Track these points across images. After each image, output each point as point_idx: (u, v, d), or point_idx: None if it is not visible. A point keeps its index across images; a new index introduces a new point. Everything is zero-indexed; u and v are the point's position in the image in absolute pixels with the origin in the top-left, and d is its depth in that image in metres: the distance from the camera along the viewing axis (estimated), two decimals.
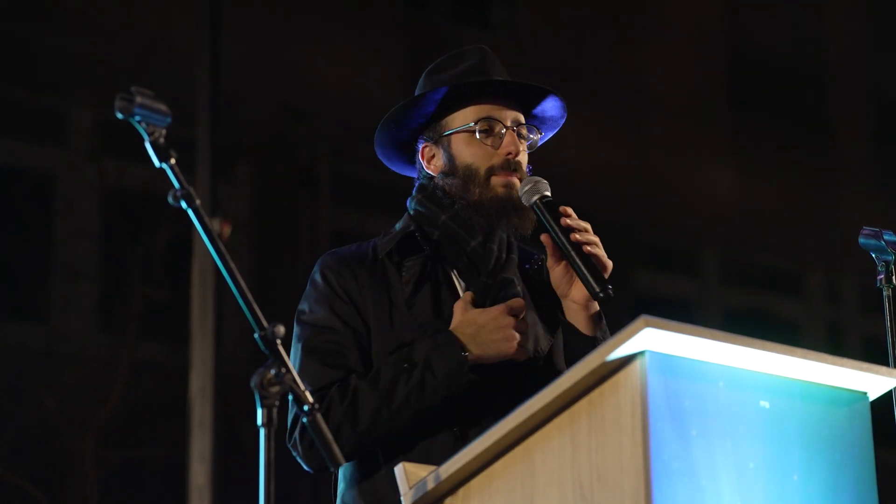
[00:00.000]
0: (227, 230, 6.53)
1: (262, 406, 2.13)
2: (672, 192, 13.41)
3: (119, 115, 2.17)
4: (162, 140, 2.19)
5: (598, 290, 2.57)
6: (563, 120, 2.87)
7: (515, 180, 2.69)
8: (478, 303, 2.67)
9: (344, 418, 2.56)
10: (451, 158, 2.73)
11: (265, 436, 2.12)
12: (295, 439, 2.62)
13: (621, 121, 12.97)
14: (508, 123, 2.73)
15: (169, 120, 2.19)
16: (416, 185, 2.81)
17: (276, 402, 2.14)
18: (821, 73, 15.13)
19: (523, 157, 2.74)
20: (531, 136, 2.78)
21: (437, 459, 2.47)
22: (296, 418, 2.62)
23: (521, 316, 2.62)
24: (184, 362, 7.02)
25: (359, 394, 2.57)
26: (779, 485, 2.18)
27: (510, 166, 2.69)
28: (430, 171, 2.76)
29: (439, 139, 2.75)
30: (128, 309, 9.02)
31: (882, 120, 15.28)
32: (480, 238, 2.70)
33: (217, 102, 6.77)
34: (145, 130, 2.18)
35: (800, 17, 15.05)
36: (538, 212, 2.63)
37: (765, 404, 2.20)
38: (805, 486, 2.21)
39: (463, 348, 2.58)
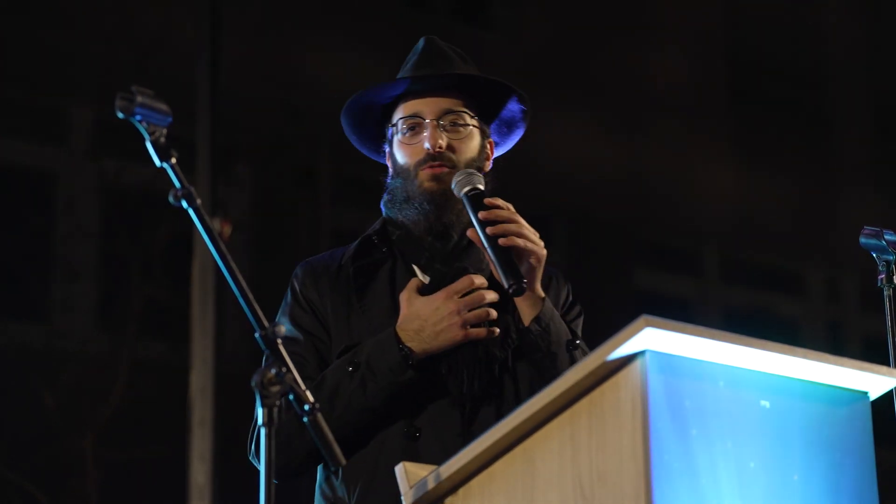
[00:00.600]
0: (227, 230, 6.53)
1: (263, 405, 2.13)
2: (672, 191, 13.41)
3: (120, 115, 2.17)
4: (163, 139, 2.19)
5: (506, 283, 2.52)
6: (524, 111, 2.82)
7: (441, 171, 2.67)
8: (433, 291, 2.65)
9: (292, 428, 2.56)
10: (394, 160, 2.76)
11: (266, 435, 2.12)
12: (254, 451, 2.64)
13: (622, 119, 12.97)
14: (430, 117, 2.71)
15: (170, 119, 2.19)
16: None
17: (277, 402, 2.14)
18: (821, 72, 15.13)
19: (460, 147, 2.71)
20: (466, 123, 2.73)
21: (387, 459, 2.50)
22: (255, 431, 2.62)
23: (469, 294, 2.58)
24: (184, 361, 7.02)
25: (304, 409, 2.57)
26: (779, 484, 2.18)
27: (433, 159, 2.68)
28: (390, 174, 2.79)
29: (389, 142, 2.79)
30: (128, 308, 9.02)
31: (882, 120, 15.28)
32: (431, 232, 2.69)
33: (217, 102, 6.77)
34: (146, 130, 2.18)
35: (800, 17, 15.05)
36: (465, 204, 2.61)
37: (765, 404, 2.20)
38: (805, 486, 2.21)
39: (402, 345, 2.57)
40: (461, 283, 2.61)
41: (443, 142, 2.69)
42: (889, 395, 2.54)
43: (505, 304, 2.64)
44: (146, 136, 2.18)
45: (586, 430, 2.13)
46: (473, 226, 2.59)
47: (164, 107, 2.19)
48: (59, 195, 9.84)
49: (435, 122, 2.71)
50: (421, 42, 2.81)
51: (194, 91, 6.90)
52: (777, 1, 14.82)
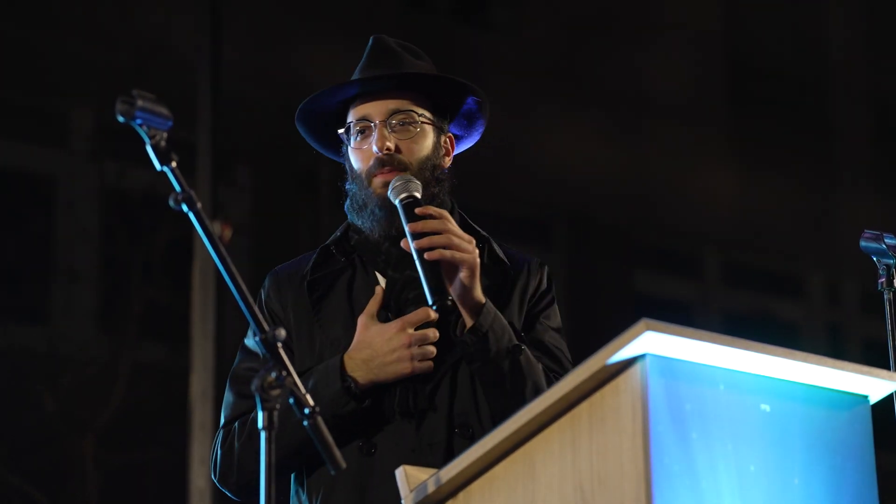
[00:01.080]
0: (227, 233, 6.53)
1: (263, 409, 2.13)
2: (672, 194, 13.41)
3: (120, 119, 2.17)
4: (163, 143, 2.19)
5: (430, 300, 2.50)
6: (481, 108, 2.76)
7: (395, 175, 2.62)
8: (387, 301, 2.63)
9: (242, 453, 2.57)
10: (350, 167, 2.72)
11: (266, 439, 2.12)
12: (220, 471, 2.63)
13: (622, 123, 12.97)
14: (377, 119, 2.66)
15: (170, 123, 2.19)
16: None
17: (277, 405, 2.14)
18: (822, 76, 15.14)
19: (411, 147, 2.65)
20: (415, 121, 2.67)
21: (342, 475, 2.45)
22: (216, 454, 2.63)
23: (420, 328, 2.55)
24: (184, 365, 7.02)
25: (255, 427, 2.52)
26: (780, 488, 2.18)
27: (382, 163, 2.63)
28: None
29: (345, 146, 2.75)
30: (129, 311, 9.02)
31: (883, 123, 15.28)
32: (386, 239, 2.65)
33: (218, 105, 6.77)
34: (147, 134, 2.18)
35: (800, 21, 15.06)
36: (399, 213, 2.56)
37: (766, 407, 2.20)
38: (806, 490, 2.21)
39: (346, 376, 2.54)
40: (417, 316, 2.57)
41: (391, 143, 2.63)
42: (889, 398, 2.54)
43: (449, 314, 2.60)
44: (147, 139, 2.19)
45: (587, 433, 2.13)
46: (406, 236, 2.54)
47: (164, 111, 2.19)
48: (59, 198, 9.85)
49: (383, 124, 2.65)
50: (370, 42, 2.76)
51: (195, 94, 6.91)
52: (777, 4, 14.83)
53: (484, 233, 2.72)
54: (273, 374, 2.15)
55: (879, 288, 2.79)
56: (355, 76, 2.73)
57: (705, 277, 14.21)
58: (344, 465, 2.20)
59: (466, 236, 2.56)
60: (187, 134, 6.48)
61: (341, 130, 2.76)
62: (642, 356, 2.09)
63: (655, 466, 2.03)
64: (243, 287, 2.19)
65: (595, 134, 12.39)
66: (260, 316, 2.19)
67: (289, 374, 2.16)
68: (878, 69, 15.23)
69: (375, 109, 2.68)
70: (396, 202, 2.57)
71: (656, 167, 13.21)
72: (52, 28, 9.77)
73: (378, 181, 2.64)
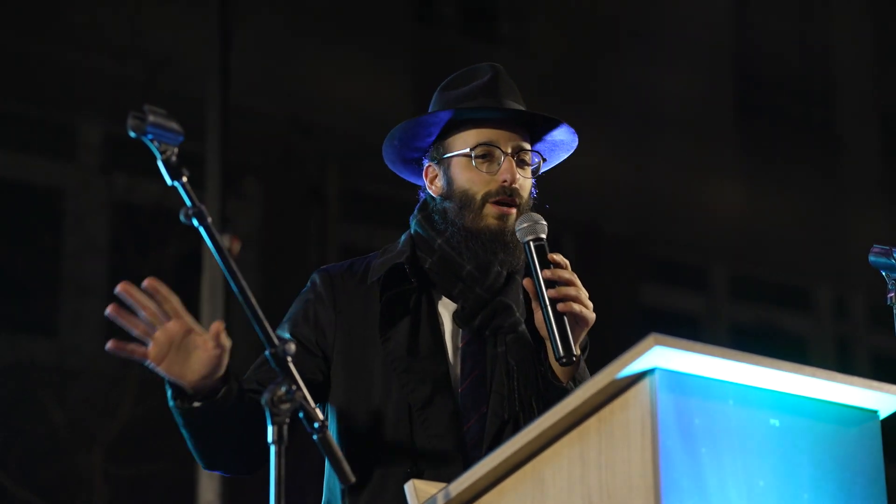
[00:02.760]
0: (236, 246, 6.54)
1: (273, 423, 2.13)
2: (680, 207, 13.41)
3: (132, 134, 2.18)
4: (174, 158, 2.20)
5: (560, 353, 2.49)
6: (575, 144, 2.80)
7: (511, 212, 2.64)
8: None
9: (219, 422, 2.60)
10: (449, 182, 2.69)
11: (276, 452, 2.13)
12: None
13: (630, 136, 12.98)
14: (508, 150, 2.66)
15: (181, 138, 2.20)
16: (419, 202, 2.78)
17: (287, 419, 2.15)
18: (829, 88, 15.14)
19: (525, 184, 2.68)
20: (533, 161, 2.71)
21: (386, 498, 2.50)
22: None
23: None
24: None
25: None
26: (789, 503, 2.18)
27: (506, 193, 2.64)
28: (431, 192, 2.73)
29: (441, 160, 2.71)
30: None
31: (891, 135, 15.27)
32: (474, 263, 2.64)
33: (227, 118, 6.78)
34: (158, 149, 2.19)
35: (808, 35, 15.06)
36: (527, 253, 2.56)
37: (775, 422, 2.20)
38: None
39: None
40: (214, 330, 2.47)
41: (518, 177, 2.66)
42: None
43: (536, 353, 2.61)
44: (158, 155, 2.19)
45: (596, 448, 2.13)
46: (531, 274, 2.54)
47: (175, 126, 2.20)
48: (68, 211, 9.87)
49: (511, 156, 2.67)
50: (487, 68, 2.76)
51: (204, 106, 6.92)
52: (785, 17, 14.83)
53: None
54: (283, 388, 2.15)
55: (889, 303, 2.79)
56: (463, 97, 2.71)
57: (713, 290, 14.19)
58: (353, 479, 2.20)
59: (584, 290, 2.56)
60: (196, 147, 6.49)
61: (427, 140, 2.73)
62: (651, 371, 2.09)
63: (664, 481, 2.03)
64: (253, 302, 2.20)
65: (603, 147, 12.39)
66: (269, 329, 2.20)
67: (298, 388, 2.16)
68: (886, 83, 15.22)
69: (503, 139, 2.68)
70: (524, 241, 2.56)
71: (664, 180, 13.21)
72: (61, 42, 9.80)
73: (494, 210, 2.64)
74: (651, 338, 2.05)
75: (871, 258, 2.77)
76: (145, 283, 2.43)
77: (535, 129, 2.76)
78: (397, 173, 2.86)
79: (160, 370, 2.49)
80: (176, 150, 2.20)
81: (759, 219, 13.87)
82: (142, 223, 9.24)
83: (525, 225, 2.57)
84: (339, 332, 2.67)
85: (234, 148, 7.56)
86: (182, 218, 2.19)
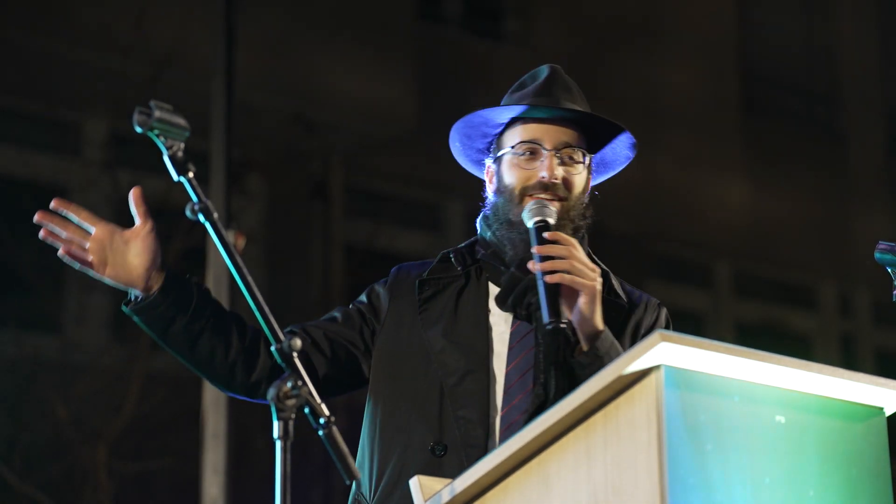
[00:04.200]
0: (241, 242, 6.54)
1: (279, 419, 2.13)
2: (685, 204, 13.40)
3: (138, 129, 2.19)
4: (180, 154, 2.21)
5: (545, 319, 2.57)
6: (630, 156, 2.93)
7: (553, 204, 2.73)
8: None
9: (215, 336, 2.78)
10: (500, 178, 2.81)
11: (281, 448, 2.13)
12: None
13: (634, 133, 12.96)
14: (549, 146, 2.76)
15: (187, 134, 2.21)
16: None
17: (293, 415, 2.15)
18: (834, 85, 15.12)
19: (573, 180, 2.77)
20: (581, 159, 2.80)
21: (409, 472, 2.56)
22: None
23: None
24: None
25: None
26: (795, 500, 2.18)
27: (544, 188, 2.75)
28: (489, 190, 2.86)
29: (496, 159, 2.84)
30: None
31: (895, 132, 15.25)
32: (514, 252, 2.76)
33: (231, 115, 6.77)
34: (164, 144, 2.19)
35: (812, 31, 15.04)
36: (530, 236, 2.67)
37: (780, 419, 2.20)
38: (821, 502, 2.20)
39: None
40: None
41: (558, 173, 2.75)
42: None
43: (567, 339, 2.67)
44: (164, 150, 2.20)
45: (601, 444, 2.13)
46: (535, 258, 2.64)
47: (181, 121, 2.20)
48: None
49: (553, 153, 2.76)
50: (545, 69, 2.87)
51: (209, 103, 6.92)
52: (789, 15, 14.81)
53: (605, 267, 2.83)
54: (289, 384, 2.15)
55: (894, 300, 2.79)
56: (524, 99, 2.82)
57: (717, 287, 14.18)
58: (358, 475, 2.20)
59: (590, 265, 2.65)
60: (201, 143, 6.48)
61: (487, 140, 2.85)
62: (657, 367, 2.09)
63: (670, 478, 2.03)
64: (260, 298, 2.20)
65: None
66: (275, 325, 2.21)
67: (304, 383, 2.16)
68: (891, 80, 15.20)
69: (548, 136, 2.78)
70: (530, 224, 2.68)
71: (668, 177, 13.20)
72: (65, 37, 9.79)
73: (530, 202, 2.74)
74: (657, 334, 2.06)
75: (877, 255, 2.77)
76: (52, 203, 2.72)
77: (598, 133, 2.86)
78: (476, 175, 2.98)
79: (108, 279, 2.67)
80: (182, 145, 2.21)
81: (764, 216, 13.86)
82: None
83: (532, 208, 2.70)
84: (389, 316, 2.80)
85: (239, 145, 7.55)
86: (188, 213, 2.20)
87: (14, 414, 8.81)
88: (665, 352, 2.07)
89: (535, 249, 2.62)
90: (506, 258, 2.77)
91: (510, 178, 2.78)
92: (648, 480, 2.05)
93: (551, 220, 2.68)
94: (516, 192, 2.76)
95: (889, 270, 2.77)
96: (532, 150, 2.77)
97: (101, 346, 9.49)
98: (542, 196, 2.73)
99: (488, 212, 2.82)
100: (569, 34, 12.76)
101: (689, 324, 13.12)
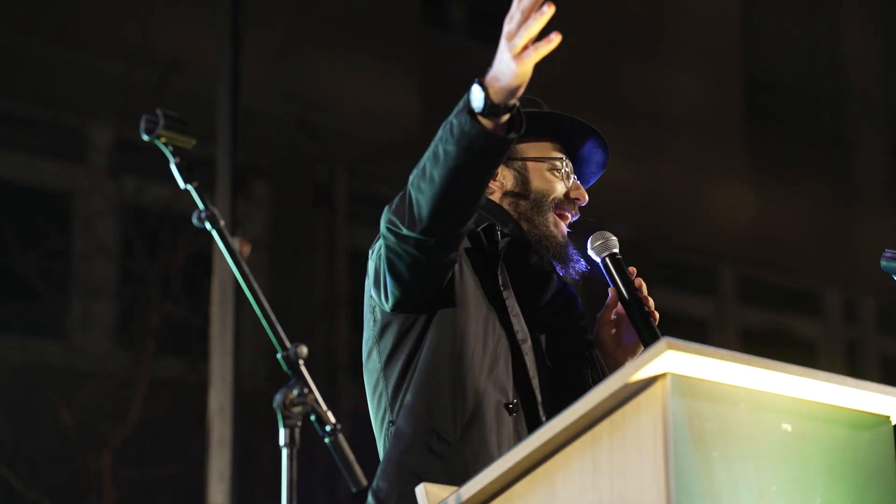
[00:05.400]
0: (246, 249, 6.54)
1: (285, 426, 2.14)
2: (689, 210, 13.39)
3: (145, 137, 2.19)
4: (187, 162, 2.21)
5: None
6: (603, 166, 3.11)
7: (566, 219, 2.95)
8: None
9: (412, 187, 2.66)
10: (524, 182, 2.93)
11: (287, 456, 2.13)
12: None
13: (638, 139, 12.96)
14: (571, 168, 2.98)
15: (194, 142, 2.21)
16: None
17: (299, 423, 2.15)
18: (838, 92, 15.11)
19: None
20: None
21: (484, 427, 2.63)
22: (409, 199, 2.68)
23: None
24: (203, 379, 7.02)
25: (419, 167, 2.67)
26: None
27: (572, 205, 2.95)
28: (491, 187, 2.92)
29: (512, 161, 2.93)
30: (147, 326, 9.01)
31: None
32: (537, 257, 2.89)
33: (236, 121, 6.78)
34: (170, 152, 2.20)
35: (816, 36, 15.04)
36: (606, 267, 2.85)
37: (787, 427, 2.20)
38: None
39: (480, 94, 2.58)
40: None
41: (586, 195, 2.98)
42: None
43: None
44: (171, 158, 2.20)
45: (607, 452, 2.13)
46: (616, 288, 2.86)
47: (188, 129, 2.21)
48: (77, 213, 9.87)
49: (574, 173, 2.99)
50: (534, 99, 3.01)
51: (214, 109, 6.93)
52: (793, 20, 14.81)
53: None
54: (295, 392, 2.15)
55: None
56: (548, 112, 3.00)
57: (721, 294, 14.17)
58: (364, 482, 2.20)
59: None
60: (206, 149, 6.49)
61: (544, 157, 2.96)
62: (663, 375, 2.09)
63: (676, 486, 2.03)
64: (266, 305, 2.20)
65: (611, 150, 12.36)
66: (281, 331, 2.21)
67: (310, 391, 2.16)
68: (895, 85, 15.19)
69: (567, 156, 3.00)
70: (602, 256, 2.88)
71: (672, 183, 13.19)
72: (70, 44, 9.80)
73: (556, 218, 2.93)
74: (663, 342, 2.05)
75: (883, 263, 2.77)
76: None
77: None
78: None
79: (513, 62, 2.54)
80: (188, 153, 2.21)
81: (768, 222, 13.85)
82: (151, 225, 9.24)
83: (599, 242, 2.89)
84: (465, 284, 2.80)
85: (244, 151, 7.55)
86: (195, 221, 2.20)
87: (19, 420, 8.81)
88: (671, 360, 2.07)
89: (637, 283, 2.84)
90: (527, 259, 2.88)
91: (544, 184, 2.92)
92: (654, 489, 2.05)
93: (617, 251, 2.90)
94: (548, 200, 2.91)
95: (894, 278, 2.77)
96: (562, 167, 2.94)
97: (106, 352, 9.49)
98: (565, 211, 2.93)
99: (496, 208, 2.90)
100: (573, 40, 12.76)
101: (694, 330, 13.10)
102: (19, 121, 10.08)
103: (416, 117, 10.99)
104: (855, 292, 14.62)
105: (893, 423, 2.34)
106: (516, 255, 2.87)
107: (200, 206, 2.19)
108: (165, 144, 2.18)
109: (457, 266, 2.79)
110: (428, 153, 2.63)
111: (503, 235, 2.86)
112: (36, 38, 9.69)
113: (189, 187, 2.20)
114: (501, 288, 2.80)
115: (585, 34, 12.85)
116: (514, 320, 2.79)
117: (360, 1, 11.22)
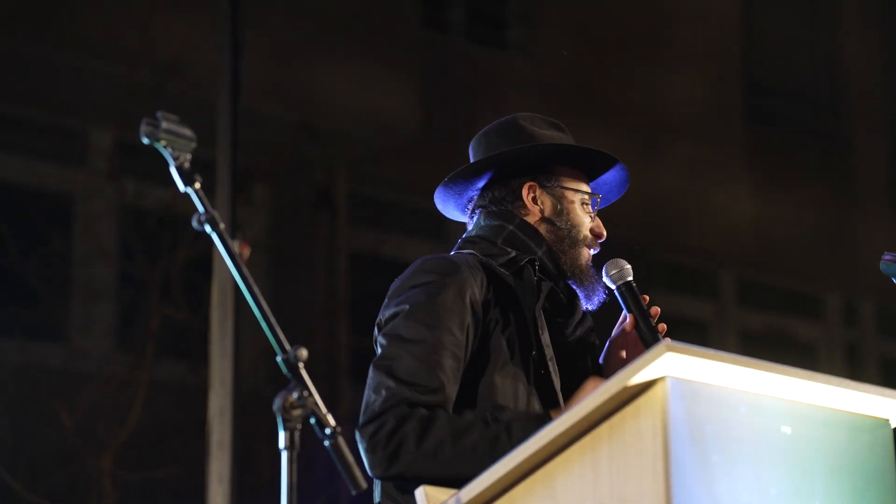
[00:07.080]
0: (246, 252, 6.54)
1: (285, 429, 2.13)
2: (688, 213, 13.39)
3: (145, 140, 2.19)
4: (187, 165, 2.21)
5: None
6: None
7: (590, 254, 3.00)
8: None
9: (413, 434, 2.54)
10: (562, 211, 2.97)
11: (287, 459, 2.13)
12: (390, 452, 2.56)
13: (638, 141, 12.96)
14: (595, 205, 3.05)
15: (194, 145, 2.21)
16: (496, 210, 2.95)
17: (299, 426, 2.15)
18: (838, 95, 15.11)
19: None
20: None
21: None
22: (383, 423, 2.57)
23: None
24: (202, 382, 7.02)
25: (436, 421, 2.55)
26: None
27: (595, 241, 3.01)
28: (529, 209, 2.94)
29: (551, 187, 2.96)
30: (146, 329, 9.01)
31: None
32: (565, 285, 2.95)
33: (236, 123, 6.78)
34: (171, 155, 2.20)
35: (817, 40, 15.04)
36: (621, 294, 2.90)
37: (787, 430, 2.20)
38: None
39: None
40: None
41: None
42: None
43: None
44: (171, 161, 2.20)
45: (607, 455, 2.13)
46: (633, 314, 2.90)
47: (188, 132, 2.21)
48: (77, 216, 9.87)
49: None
50: (557, 125, 3.08)
51: (214, 112, 6.93)
52: (794, 24, 14.82)
53: None
54: (295, 394, 2.15)
55: None
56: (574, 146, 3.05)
57: (721, 296, 14.17)
58: (364, 485, 2.20)
59: None
60: (206, 152, 6.49)
61: (580, 189, 3.02)
62: (663, 378, 2.09)
63: (676, 489, 2.03)
64: (266, 308, 2.20)
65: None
66: (280, 334, 2.20)
67: (310, 394, 2.16)
68: (895, 87, 15.19)
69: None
70: (617, 285, 2.91)
71: (672, 186, 13.19)
72: (70, 46, 9.81)
73: (587, 253, 2.98)
74: (663, 345, 2.06)
75: (883, 266, 2.77)
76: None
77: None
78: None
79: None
80: (189, 156, 2.21)
81: (768, 225, 13.85)
82: (151, 228, 9.24)
83: (615, 271, 2.92)
84: (489, 319, 2.79)
85: (244, 153, 7.56)
86: (195, 224, 2.20)
87: (19, 422, 8.81)
88: (671, 363, 2.07)
89: (651, 311, 2.91)
90: (557, 283, 2.93)
91: (578, 217, 2.98)
92: (654, 492, 2.05)
93: (631, 278, 2.93)
94: (580, 235, 2.96)
95: (894, 281, 2.77)
96: (591, 203, 3.02)
97: (106, 354, 9.49)
98: (592, 246, 2.99)
99: (530, 230, 2.92)
100: (573, 43, 12.77)
101: (694, 333, 13.10)
102: (19, 123, 10.08)
103: (416, 119, 10.99)
104: (855, 295, 14.62)
105: (893, 426, 2.34)
106: (548, 280, 2.92)
107: (200, 208, 2.19)
108: (165, 147, 2.18)
109: (485, 312, 2.79)
110: (461, 448, 2.51)
111: (535, 261, 2.91)
112: (36, 40, 9.70)
113: (189, 190, 2.20)
114: (540, 331, 2.81)
115: (585, 36, 12.85)
116: (546, 350, 2.81)
117: (360, 3, 11.22)
